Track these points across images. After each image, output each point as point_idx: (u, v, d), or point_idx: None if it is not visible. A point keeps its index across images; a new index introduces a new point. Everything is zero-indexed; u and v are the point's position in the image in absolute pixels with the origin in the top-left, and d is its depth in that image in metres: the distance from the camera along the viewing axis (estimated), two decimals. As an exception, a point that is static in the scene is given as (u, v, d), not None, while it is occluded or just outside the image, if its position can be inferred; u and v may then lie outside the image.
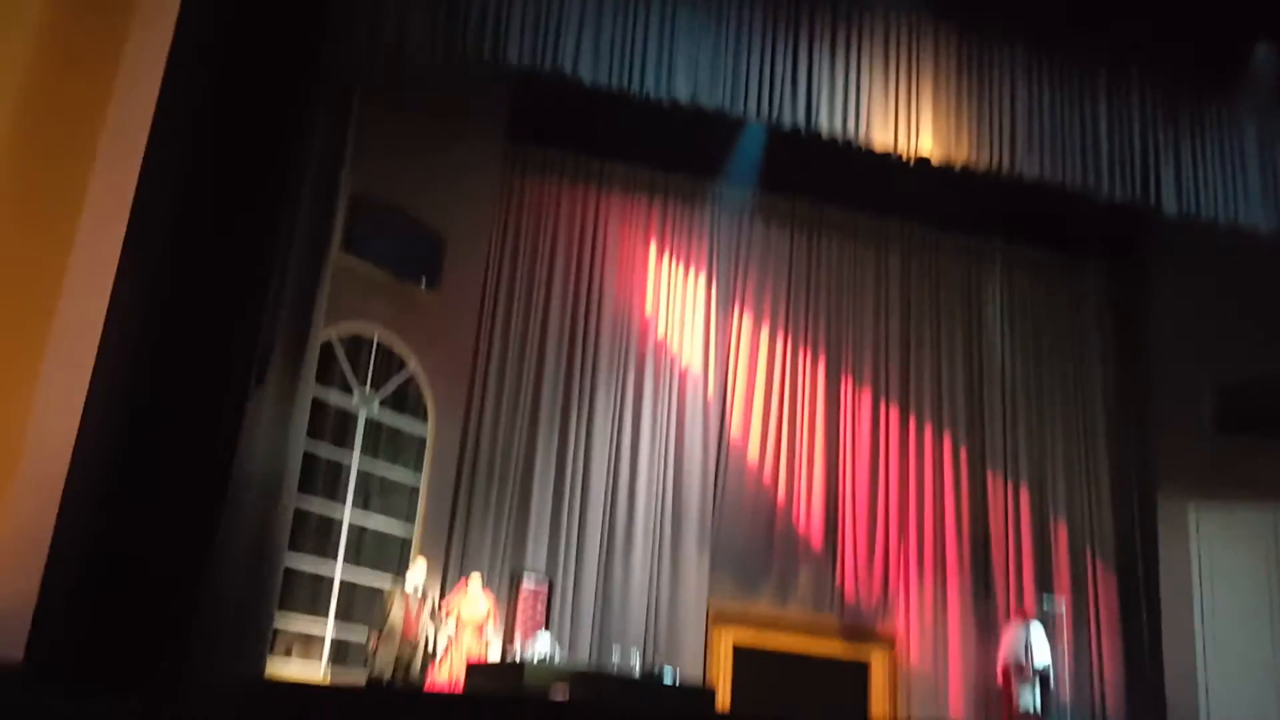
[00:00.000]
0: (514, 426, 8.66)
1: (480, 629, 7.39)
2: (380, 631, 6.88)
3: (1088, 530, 9.48)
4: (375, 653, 6.83)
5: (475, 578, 7.57)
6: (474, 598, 7.46)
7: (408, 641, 6.93)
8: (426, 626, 7.11)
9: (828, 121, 7.32)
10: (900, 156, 7.50)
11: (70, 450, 4.21)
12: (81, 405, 4.14)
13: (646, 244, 9.47)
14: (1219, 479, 8.99)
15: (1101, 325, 10.00)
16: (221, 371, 5.17)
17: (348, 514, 7.55)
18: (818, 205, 9.84)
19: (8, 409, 3.96)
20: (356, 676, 7.14)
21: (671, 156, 9.35)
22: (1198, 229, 8.34)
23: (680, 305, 9.46)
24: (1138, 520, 9.43)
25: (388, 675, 6.77)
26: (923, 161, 7.65)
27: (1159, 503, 9.30)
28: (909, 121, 7.50)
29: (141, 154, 4.44)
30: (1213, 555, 8.90)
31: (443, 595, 7.77)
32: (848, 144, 7.44)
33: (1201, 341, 9.32)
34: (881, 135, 7.43)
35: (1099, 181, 7.86)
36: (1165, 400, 9.48)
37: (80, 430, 4.14)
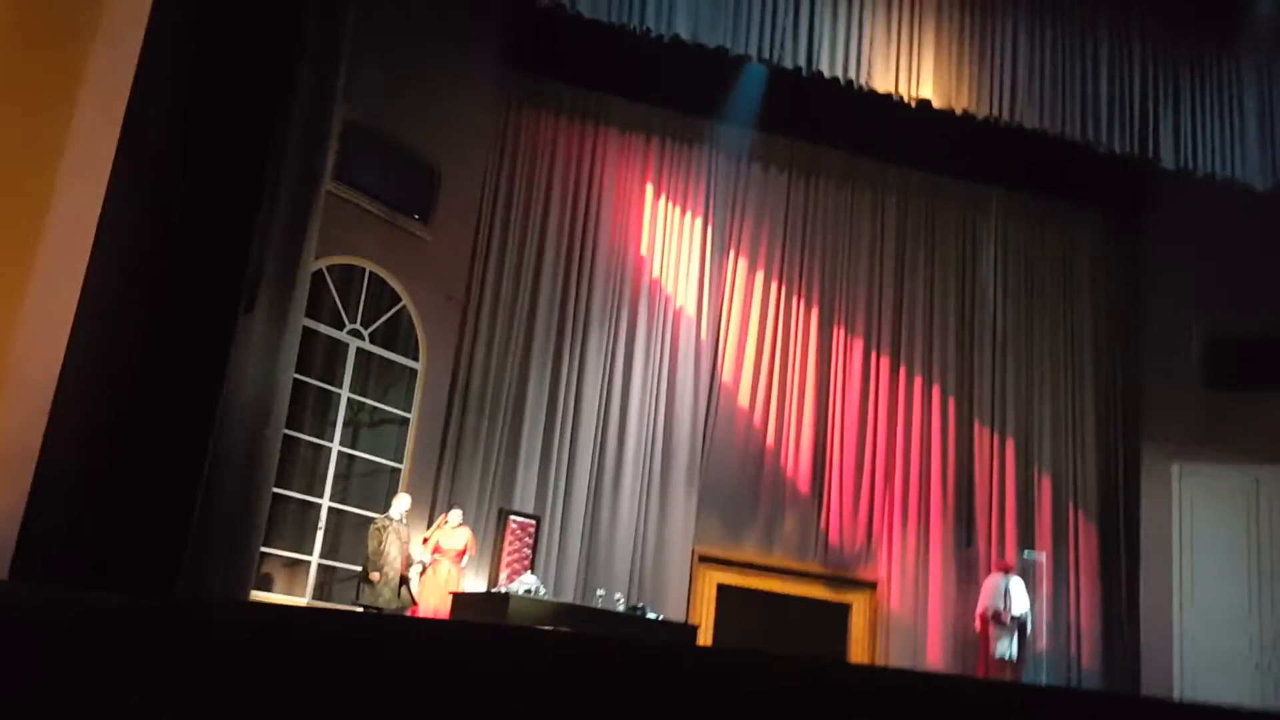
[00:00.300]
0: (505, 363, 8.65)
1: (459, 557, 7.44)
2: (373, 563, 6.94)
3: (1071, 483, 9.57)
4: (376, 584, 6.91)
5: (455, 512, 7.61)
6: (452, 529, 7.51)
7: (396, 572, 7.02)
8: (408, 557, 7.19)
9: (829, 62, 7.25)
10: (901, 99, 7.45)
11: (59, 366, 4.19)
12: (70, 321, 4.11)
13: (643, 183, 9.41)
14: (1204, 435, 9.05)
15: (1095, 278, 10.01)
16: (210, 295, 5.12)
17: (336, 446, 7.56)
18: (816, 148, 9.77)
19: (-5, 325, 3.93)
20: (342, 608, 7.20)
21: (671, 95, 9.26)
22: (1194, 184, 8.36)
23: (675, 246, 9.42)
24: (1121, 474, 9.54)
25: (379, 605, 6.84)
26: (923, 106, 7.60)
27: (1143, 457, 9.41)
28: (910, 65, 7.44)
29: (133, 71, 4.36)
30: (1194, 511, 8.99)
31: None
32: (849, 85, 7.37)
33: (1193, 297, 9.34)
34: (883, 78, 7.38)
35: (1098, 133, 7.84)
36: (1154, 355, 9.54)
37: (69, 346, 4.11)
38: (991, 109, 7.63)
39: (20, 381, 3.87)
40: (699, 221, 9.49)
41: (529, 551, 8.27)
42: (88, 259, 4.32)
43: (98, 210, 4.35)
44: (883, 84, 7.41)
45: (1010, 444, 9.61)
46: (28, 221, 4.11)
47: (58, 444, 4.23)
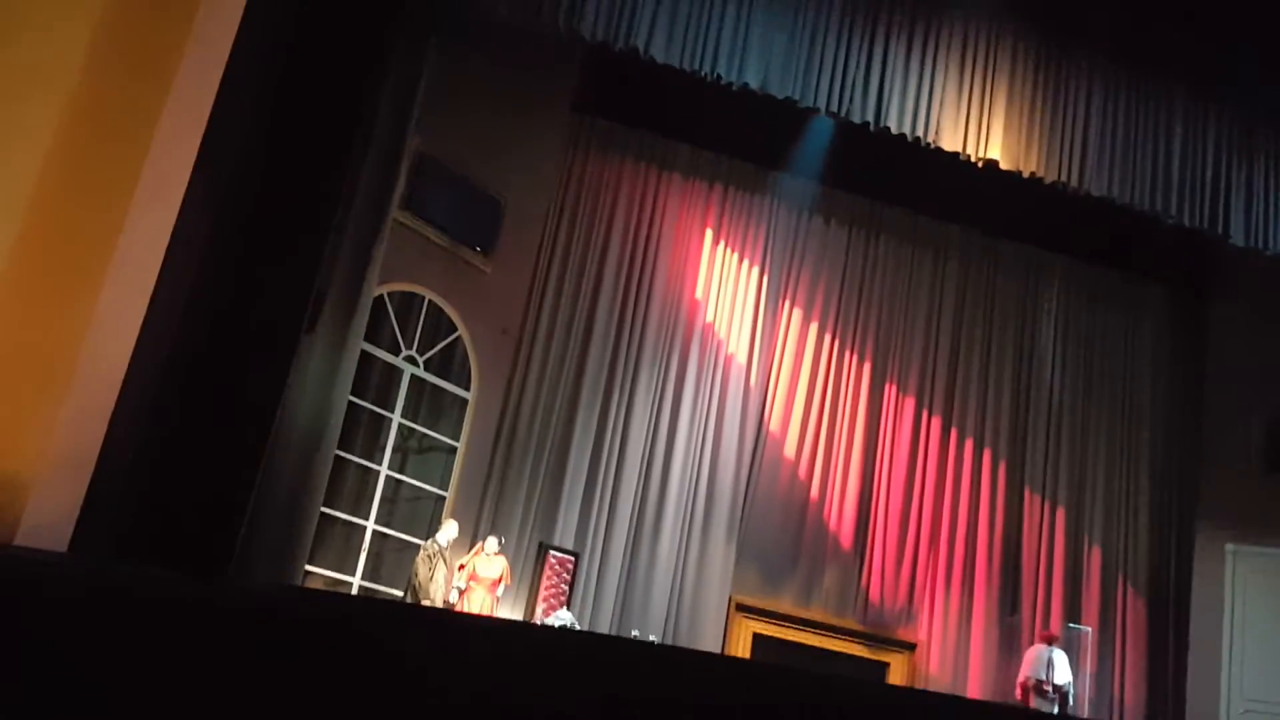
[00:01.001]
0: (555, 399, 8.69)
1: (494, 586, 7.44)
2: (422, 590, 6.97)
3: (1122, 558, 9.35)
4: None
5: (492, 540, 7.61)
6: (489, 557, 7.51)
7: (441, 599, 7.04)
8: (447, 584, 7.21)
9: (897, 118, 7.26)
10: (968, 159, 7.43)
11: (122, 374, 4.28)
12: (138, 329, 4.21)
13: (703, 229, 9.45)
14: (1260, 519, 8.83)
15: (1156, 352, 9.83)
16: (274, 315, 5.23)
17: (384, 470, 7.63)
18: (879, 204, 9.76)
19: (66, 330, 4.04)
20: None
21: (736, 143, 9.33)
22: (1261, 265, 8.22)
23: (731, 293, 9.43)
24: (1173, 552, 9.30)
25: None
26: (990, 167, 7.56)
27: (1197, 536, 9.18)
28: (980, 124, 7.42)
29: (215, 89, 4.48)
30: (1247, 594, 8.74)
31: (469, 558, 7.85)
32: (916, 142, 7.37)
33: (1256, 378, 9.15)
34: (951, 136, 7.36)
35: (1167, 204, 7.74)
36: (1214, 434, 9.33)
37: (135, 352, 4.20)
38: (1060, 174, 7.57)
39: (86, 384, 3.96)
40: (755, 270, 9.51)
41: (566, 587, 8.25)
42: (158, 270, 4.43)
43: (171, 224, 4.47)
44: (951, 142, 7.40)
45: (1061, 514, 9.42)
46: (103, 234, 4.23)
47: (117, 447, 4.32)
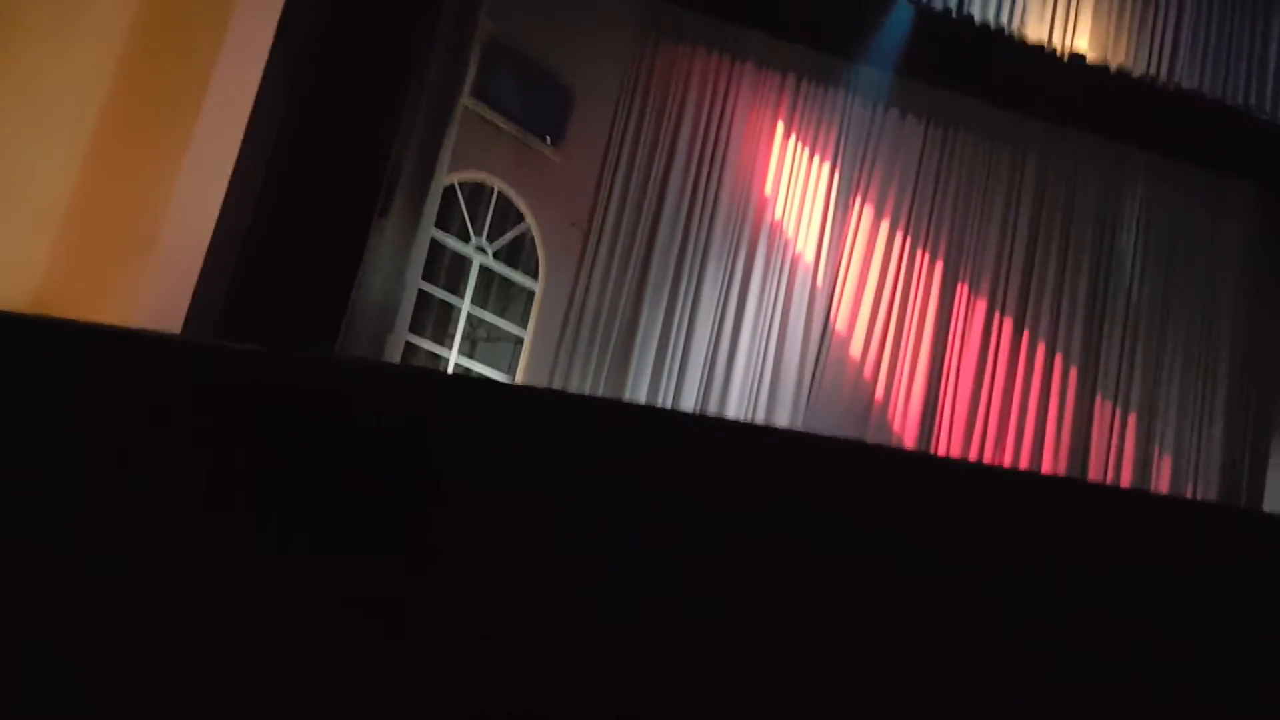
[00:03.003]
0: (621, 291, 8.71)
1: None
2: None
3: (1193, 467, 9.22)
4: None
5: None
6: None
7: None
8: None
9: (980, 6, 7.01)
10: (1053, 51, 7.16)
11: (204, 249, 4.38)
12: (219, 206, 4.29)
13: (774, 121, 9.27)
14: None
15: (1242, 253, 9.51)
16: (348, 196, 5.28)
17: (454, 357, 7.76)
18: (957, 98, 9.44)
19: (149, 204, 4.14)
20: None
21: (812, 32, 9.06)
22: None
23: (801, 188, 9.29)
24: (1247, 464, 9.16)
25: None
26: (1075, 60, 7.29)
27: (1272, 448, 9.02)
28: (1067, 14, 7.14)
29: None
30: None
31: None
32: (999, 32, 7.12)
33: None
34: (1036, 26, 7.10)
35: (1262, 99, 7.44)
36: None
37: (215, 230, 4.30)
38: (1149, 67, 7.29)
39: (169, 258, 4.07)
40: (827, 165, 9.33)
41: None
42: (237, 151, 4.50)
43: (250, 100, 4.51)
44: (1035, 33, 7.13)
45: (1132, 421, 9.29)
46: (182, 113, 4.29)
47: (197, 323, 4.45)
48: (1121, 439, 9.27)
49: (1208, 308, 9.48)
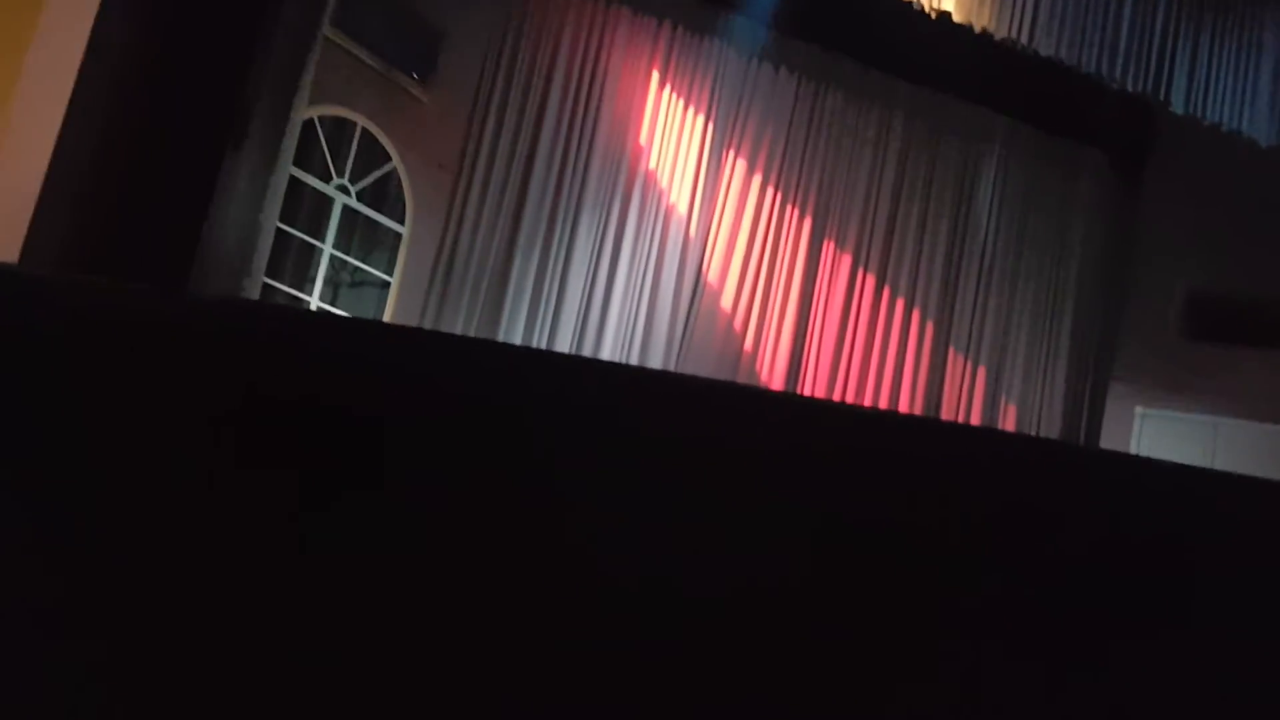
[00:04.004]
0: (493, 237, 8.59)
1: None
2: None
3: (1036, 416, 9.71)
4: None
5: None
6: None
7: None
8: None
9: (852, -38, 7.08)
10: (921, 9, 7.31)
11: (38, 188, 4.14)
12: (53, 143, 4.05)
13: (649, 69, 9.23)
14: (1172, 384, 9.21)
15: (1089, 217, 9.99)
16: (198, 127, 5.04)
17: (315, 301, 7.55)
18: (829, 55, 9.59)
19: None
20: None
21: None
22: (1199, 137, 8.32)
23: (675, 139, 9.30)
24: (1085, 412, 9.69)
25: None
26: (942, 22, 7.47)
27: (1109, 399, 9.57)
28: (935, -26, 7.28)
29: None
30: (1152, 452, 9.17)
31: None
32: (869, -12, 7.23)
33: (1184, 249, 9.38)
34: (905, -15, 7.23)
35: (1113, 68, 7.76)
36: (1138, 301, 9.62)
37: (50, 168, 4.06)
38: (1010, 30, 7.51)
39: (1, 191, 3.83)
40: (701, 117, 9.36)
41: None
42: (73, 80, 4.24)
43: (86, 32, 4.25)
44: (904, -9, 7.27)
45: (981, 373, 9.71)
46: (14, 36, 4.01)
47: (32, 263, 4.20)
48: (972, 388, 9.70)
49: (1056, 267, 9.94)
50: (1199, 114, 7.89)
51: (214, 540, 0.95)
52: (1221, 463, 8.89)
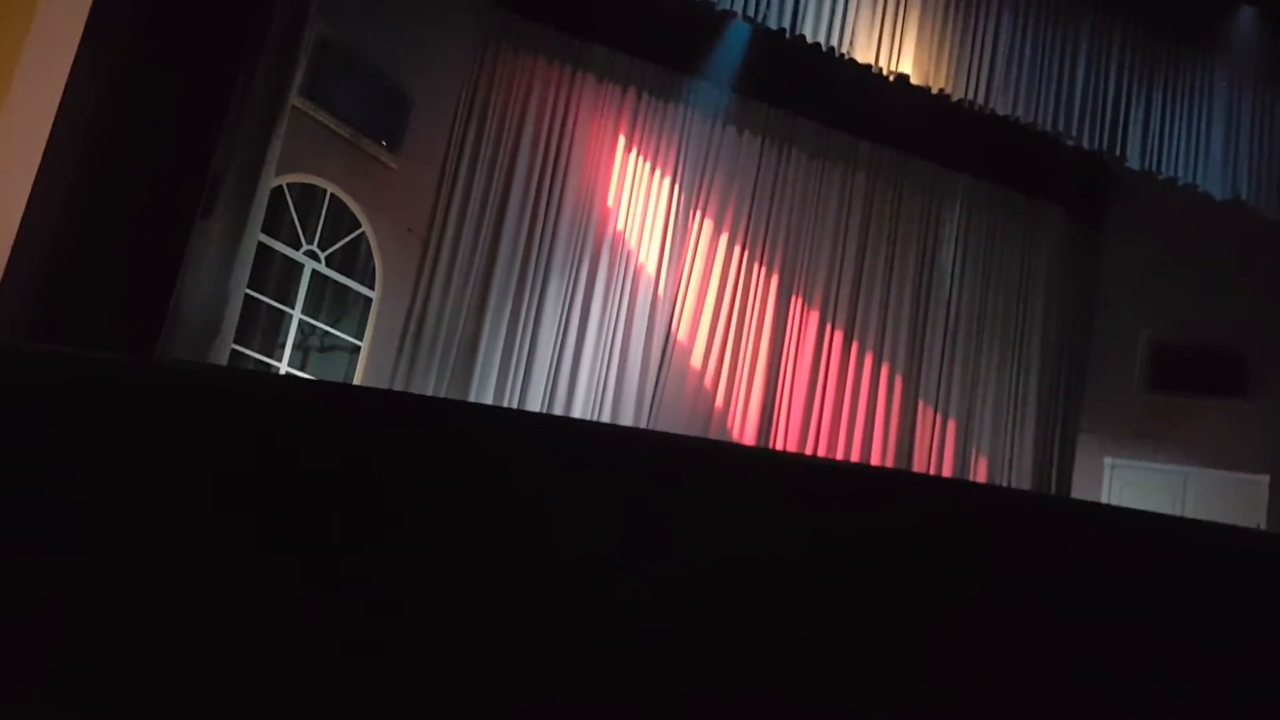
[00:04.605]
0: (463, 300, 8.61)
1: None
2: None
3: (1006, 466, 9.77)
4: None
5: None
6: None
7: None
8: None
9: (813, 27, 7.24)
10: (880, 72, 7.48)
11: (6, 255, 4.10)
12: (21, 209, 4.03)
13: (616, 135, 9.35)
14: (1139, 434, 9.32)
15: (1050, 271, 10.17)
16: (169, 195, 5.05)
17: (285, 367, 7.50)
18: (791, 117, 9.78)
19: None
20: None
21: (652, 48, 9.20)
22: (1156, 191, 8.54)
23: (643, 202, 9.40)
24: (1055, 464, 9.76)
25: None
26: (901, 82, 7.64)
27: (1078, 450, 9.65)
28: (893, 37, 7.47)
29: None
30: (1123, 501, 9.23)
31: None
32: (830, 52, 7.38)
33: (1145, 301, 9.56)
34: (865, 48, 7.39)
35: (1069, 125, 7.95)
36: (1101, 352, 9.77)
37: (18, 236, 4.03)
38: (967, 91, 7.69)
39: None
40: (668, 180, 9.48)
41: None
42: (44, 146, 4.23)
43: (57, 99, 4.25)
44: (864, 54, 7.43)
45: (951, 425, 9.78)
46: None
47: (1, 329, 4.15)
48: (942, 440, 9.75)
49: (1020, 320, 10.08)
50: (1154, 169, 8.08)
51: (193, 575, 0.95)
52: (1191, 511, 8.97)
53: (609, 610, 0.91)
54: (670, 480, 0.96)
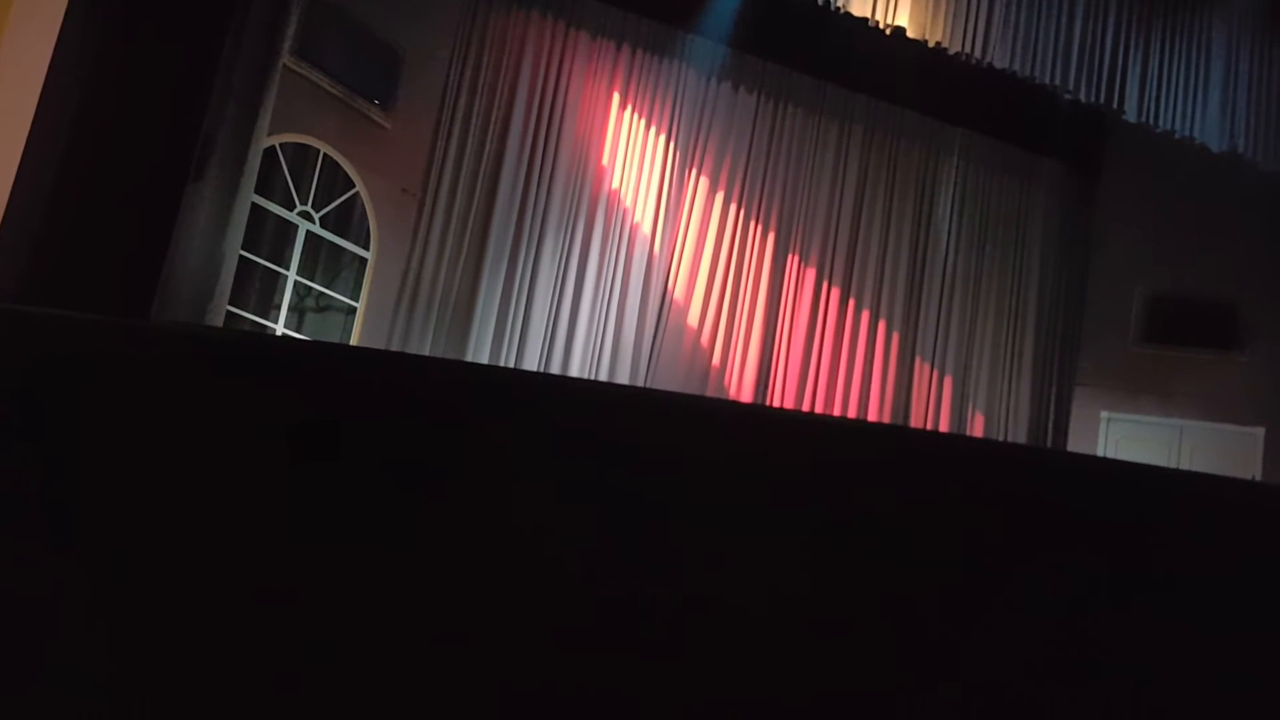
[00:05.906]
0: (459, 260, 8.58)
1: None
2: None
3: (1003, 422, 9.81)
4: None
5: None
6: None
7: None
8: None
9: (808, -21, 7.18)
10: (876, 25, 7.42)
11: (0, 213, 4.09)
12: (15, 168, 4.01)
13: (610, 91, 9.28)
14: (1135, 387, 9.36)
15: (1047, 225, 10.14)
16: (159, 159, 5.01)
17: (281, 328, 7.49)
18: (787, 72, 9.69)
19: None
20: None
21: (646, 3, 9.11)
22: (1153, 142, 8.50)
23: (638, 159, 9.35)
24: (1051, 418, 9.81)
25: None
26: (897, 35, 7.58)
27: (1074, 404, 9.70)
28: (890, -10, 7.40)
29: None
30: (1118, 454, 9.29)
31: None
32: (826, 4, 7.31)
33: (1141, 254, 9.55)
34: (860, 1, 7.32)
35: (1066, 78, 7.90)
36: (1096, 306, 9.78)
37: (11, 196, 4.01)
38: (964, 44, 7.63)
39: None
40: (663, 137, 9.42)
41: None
42: (34, 107, 4.20)
43: (47, 60, 4.22)
44: (860, 7, 7.36)
45: (948, 381, 9.81)
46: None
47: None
48: (939, 396, 9.78)
49: (1016, 275, 10.07)
50: (1151, 122, 8.04)
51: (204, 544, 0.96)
52: (1186, 464, 9.03)
53: (609, 610, 0.92)
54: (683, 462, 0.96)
